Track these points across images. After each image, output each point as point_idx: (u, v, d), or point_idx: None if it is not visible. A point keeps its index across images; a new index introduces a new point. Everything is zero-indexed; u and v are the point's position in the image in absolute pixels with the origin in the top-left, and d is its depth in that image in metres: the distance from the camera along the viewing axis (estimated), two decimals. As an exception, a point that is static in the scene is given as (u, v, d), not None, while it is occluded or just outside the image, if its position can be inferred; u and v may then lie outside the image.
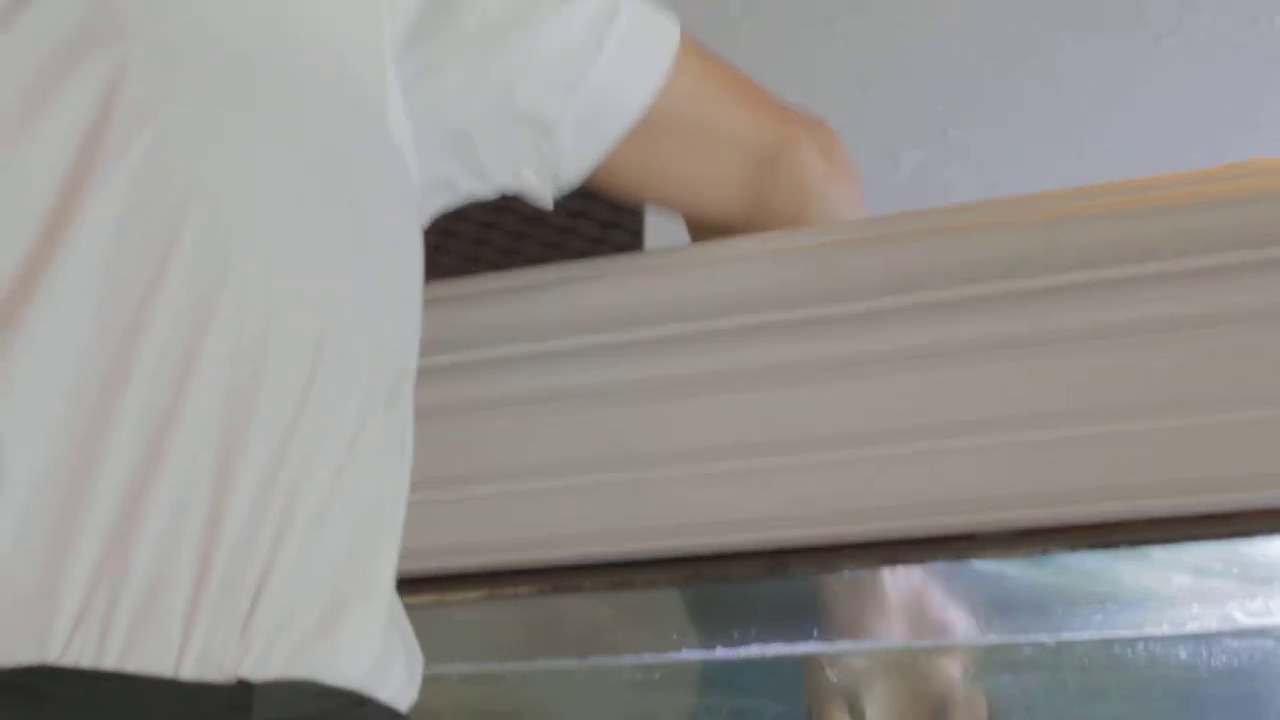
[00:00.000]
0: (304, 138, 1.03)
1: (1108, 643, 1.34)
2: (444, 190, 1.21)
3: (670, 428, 1.34)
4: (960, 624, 1.34)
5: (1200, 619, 1.31)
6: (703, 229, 1.36)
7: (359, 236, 1.06)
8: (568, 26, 1.20)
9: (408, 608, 1.12)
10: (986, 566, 1.30)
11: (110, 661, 0.92)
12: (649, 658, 1.43)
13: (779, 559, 1.32)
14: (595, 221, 5.63)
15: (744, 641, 1.38)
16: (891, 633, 1.35)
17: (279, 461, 0.98)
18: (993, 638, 1.36)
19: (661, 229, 2.51)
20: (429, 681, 1.12)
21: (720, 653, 1.39)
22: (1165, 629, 1.33)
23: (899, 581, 1.33)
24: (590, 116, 1.22)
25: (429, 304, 1.19)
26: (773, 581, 1.34)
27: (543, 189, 1.24)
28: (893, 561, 1.31)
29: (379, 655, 1.03)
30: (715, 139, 1.31)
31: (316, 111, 1.04)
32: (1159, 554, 1.27)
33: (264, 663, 0.97)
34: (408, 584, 1.12)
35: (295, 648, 0.98)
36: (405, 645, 1.09)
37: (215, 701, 0.93)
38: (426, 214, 1.19)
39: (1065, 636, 1.34)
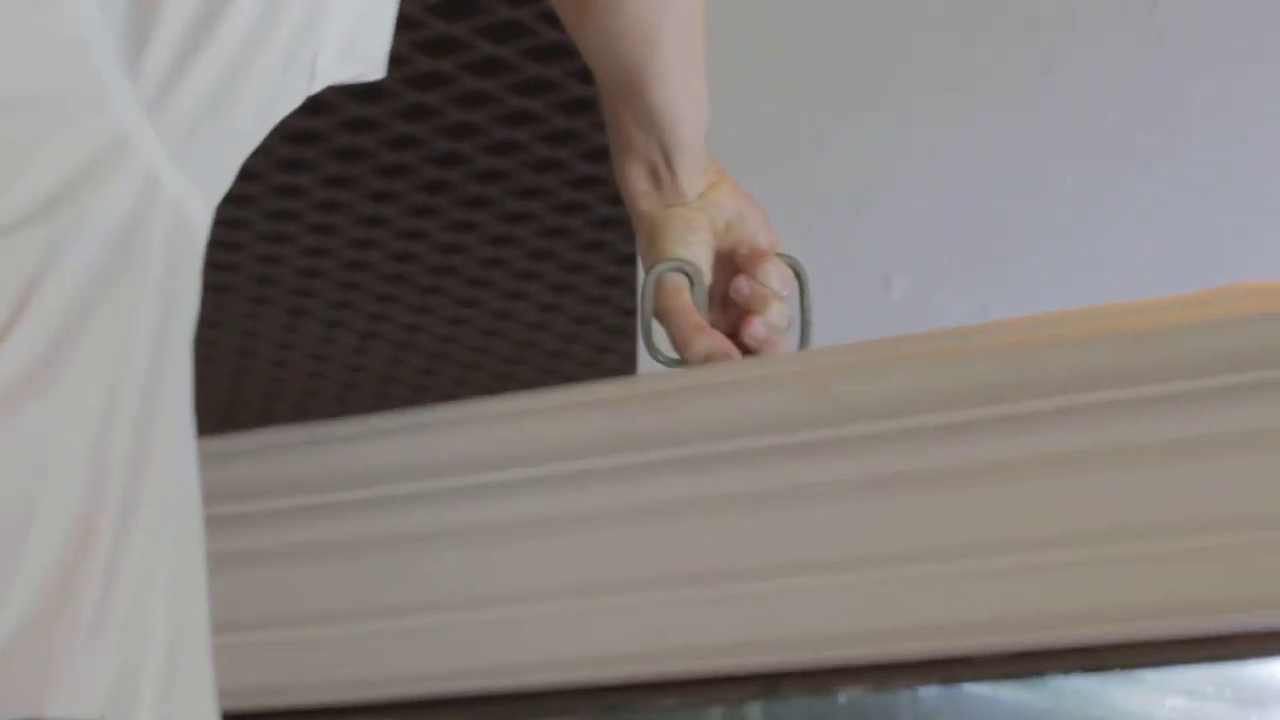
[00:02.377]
0: None
1: (1103, 766, 1.34)
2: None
3: (667, 551, 1.34)
4: None
5: (1194, 742, 1.31)
6: None
7: None
8: None
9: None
10: (980, 690, 1.30)
11: None
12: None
13: (771, 682, 1.32)
14: (588, 345, 5.66)
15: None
16: None
17: None
18: (988, 762, 1.36)
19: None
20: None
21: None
22: (1160, 753, 1.33)
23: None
24: None
25: (414, 429, 1.20)
26: (767, 704, 1.34)
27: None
28: (886, 685, 1.30)
29: None
30: None
31: None
32: (1152, 677, 1.27)
33: None
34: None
35: None
36: None
37: None
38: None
39: (1060, 760, 1.34)
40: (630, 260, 3.85)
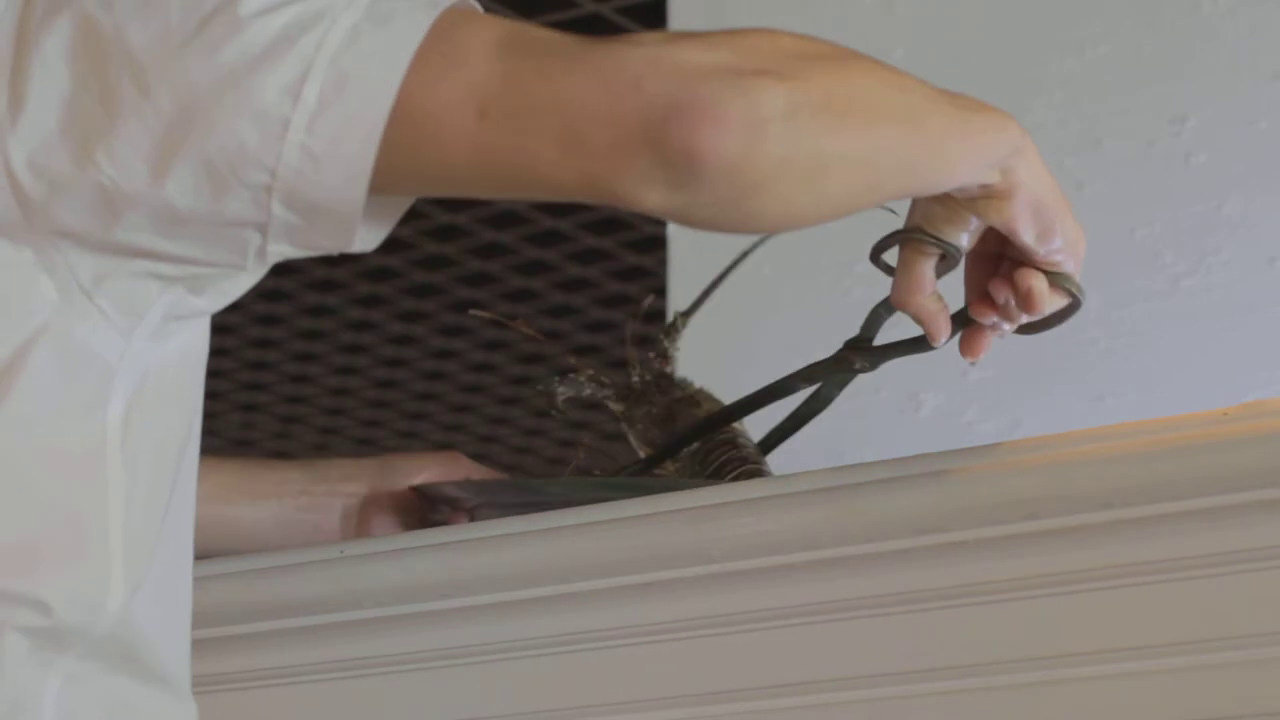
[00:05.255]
0: None
1: None
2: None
3: (699, 667, 1.34)
4: None
5: None
6: None
7: None
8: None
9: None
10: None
11: None
12: None
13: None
14: (617, 462, 5.67)
15: None
16: None
17: None
18: None
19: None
20: None
21: None
22: None
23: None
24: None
25: (443, 548, 1.20)
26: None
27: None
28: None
29: None
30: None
31: None
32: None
33: None
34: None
35: None
36: None
37: None
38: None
39: None
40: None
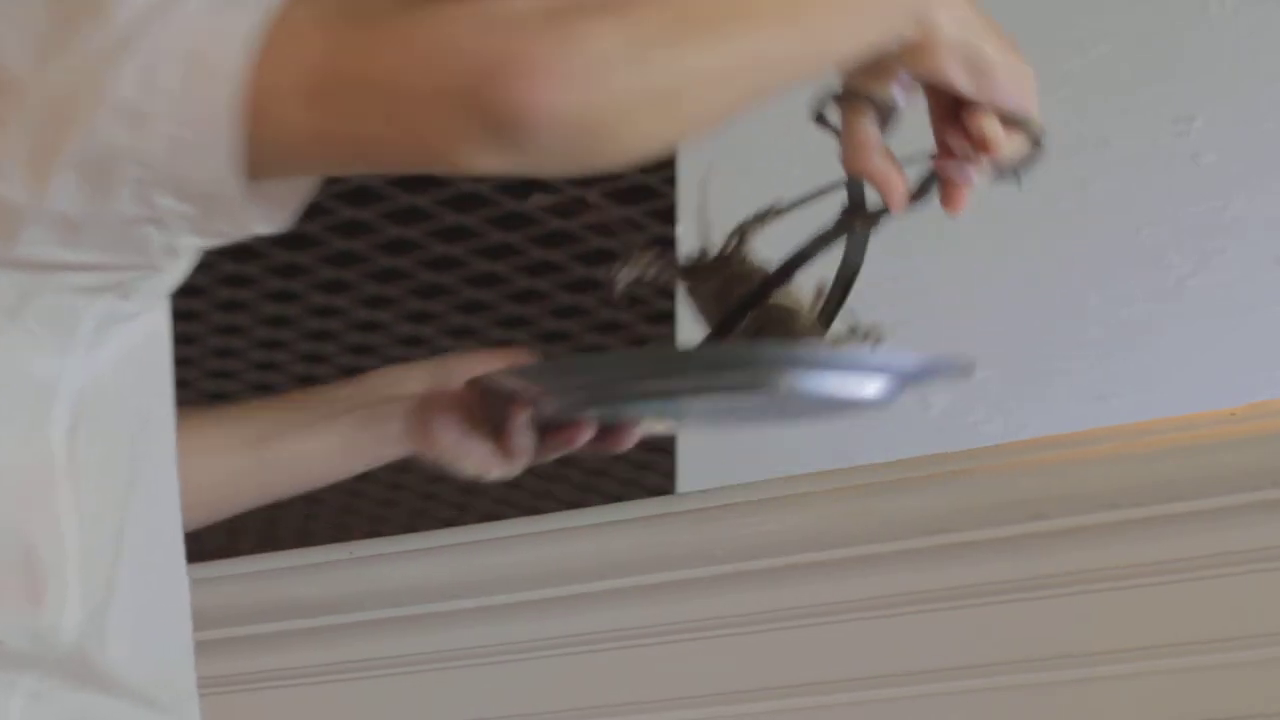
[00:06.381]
0: None
1: None
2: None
3: (709, 668, 1.35)
4: None
5: None
6: None
7: None
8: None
9: None
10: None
11: None
12: None
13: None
14: (628, 463, 5.67)
15: None
16: None
17: None
18: None
19: (694, 473, 2.51)
20: None
21: None
22: None
23: None
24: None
25: (454, 549, 1.21)
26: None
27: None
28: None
29: None
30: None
31: None
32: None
33: None
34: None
35: None
36: None
37: None
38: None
39: None
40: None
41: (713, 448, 2.14)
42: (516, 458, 1.29)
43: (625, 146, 0.94)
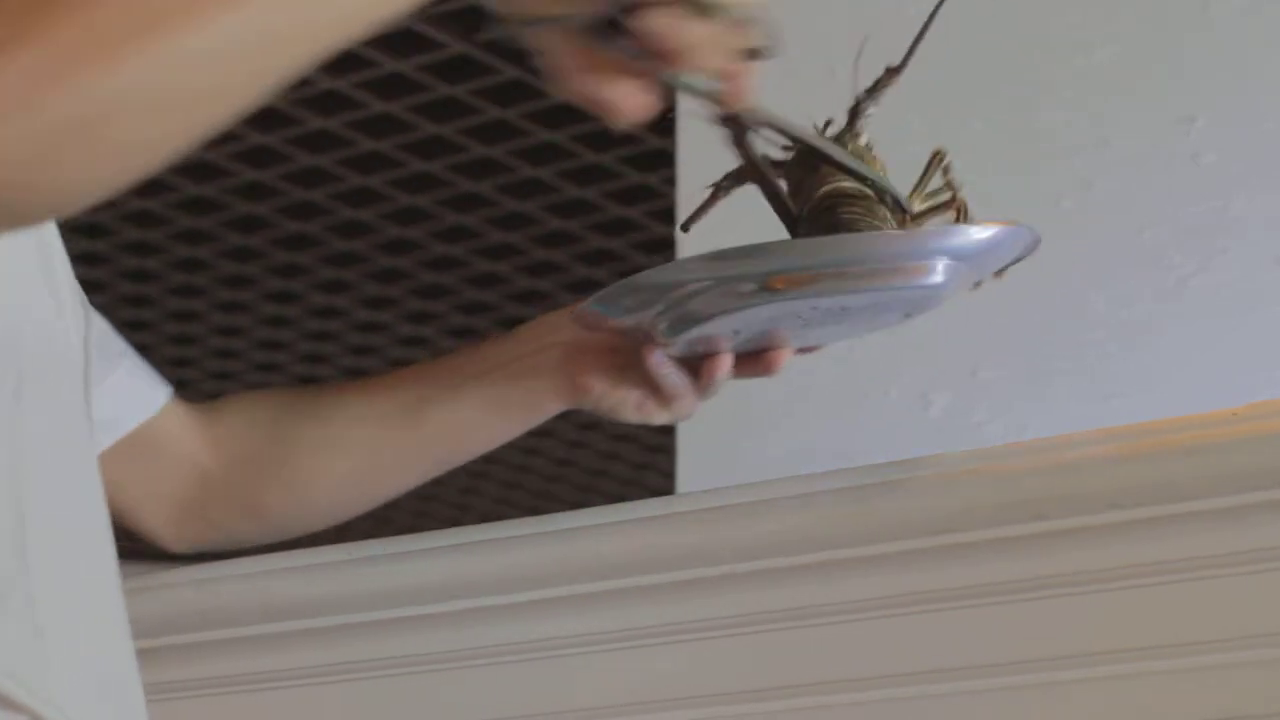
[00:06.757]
0: None
1: None
2: None
3: (710, 669, 1.35)
4: None
5: None
6: None
7: None
8: None
9: None
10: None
11: None
12: None
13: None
14: (627, 464, 5.67)
15: None
16: None
17: None
18: None
19: (694, 473, 2.52)
20: None
21: None
22: None
23: None
24: None
25: (454, 550, 1.21)
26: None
27: None
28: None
29: None
30: None
31: None
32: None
33: None
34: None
35: None
36: None
37: None
38: None
39: None
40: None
41: (713, 448, 2.15)
42: (674, 399, 1.22)
43: (60, 189, 0.79)
